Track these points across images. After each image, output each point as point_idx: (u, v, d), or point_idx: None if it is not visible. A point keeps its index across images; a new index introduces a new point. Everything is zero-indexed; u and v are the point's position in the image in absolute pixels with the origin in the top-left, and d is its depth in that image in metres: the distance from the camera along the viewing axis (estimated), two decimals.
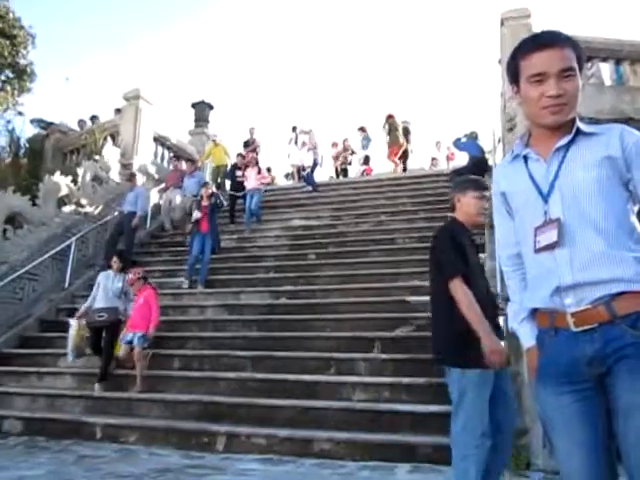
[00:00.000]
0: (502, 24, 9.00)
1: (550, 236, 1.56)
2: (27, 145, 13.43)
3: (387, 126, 14.43)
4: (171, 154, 13.10)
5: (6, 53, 12.77)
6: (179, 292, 8.28)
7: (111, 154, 11.60)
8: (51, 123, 14.31)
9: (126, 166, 11.66)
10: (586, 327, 1.50)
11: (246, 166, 11.34)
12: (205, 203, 8.91)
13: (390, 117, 14.51)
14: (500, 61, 9.54)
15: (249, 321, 7.07)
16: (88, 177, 10.74)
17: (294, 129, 15.27)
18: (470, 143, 11.36)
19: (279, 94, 68.24)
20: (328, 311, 6.81)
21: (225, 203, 10.04)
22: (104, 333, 6.40)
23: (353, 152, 15.56)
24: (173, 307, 7.87)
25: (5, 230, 8.95)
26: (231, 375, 5.90)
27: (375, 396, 5.17)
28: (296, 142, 15.00)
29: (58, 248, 9.04)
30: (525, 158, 1.69)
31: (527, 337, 1.71)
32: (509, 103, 8.21)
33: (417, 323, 6.16)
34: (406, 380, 5.19)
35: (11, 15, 13.02)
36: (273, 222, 10.54)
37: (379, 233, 8.94)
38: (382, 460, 4.26)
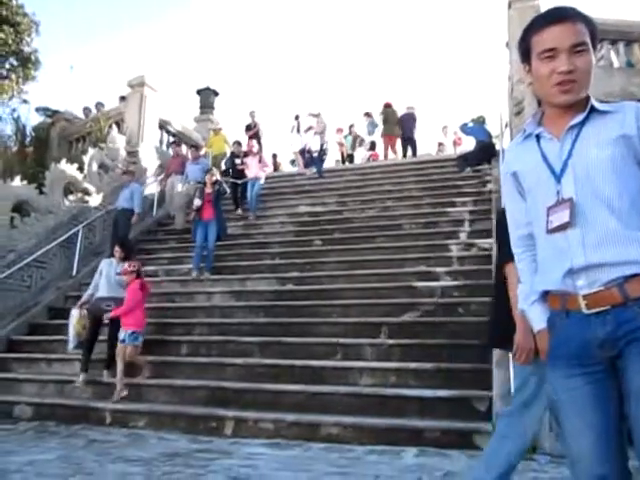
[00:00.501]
0: (509, 6, 8.89)
1: (562, 216, 1.53)
2: (33, 133, 13.44)
3: (382, 115, 14.35)
4: (172, 139, 12.99)
5: (10, 41, 12.74)
6: (186, 279, 8.31)
7: (116, 141, 11.58)
8: (56, 111, 14.30)
9: (131, 153, 11.66)
10: (598, 309, 1.48)
11: (245, 154, 11.21)
12: (209, 190, 8.77)
13: (387, 106, 14.32)
14: (507, 44, 9.42)
15: (256, 307, 7.08)
16: (94, 165, 10.75)
17: (297, 117, 15.22)
18: (477, 127, 11.27)
19: (285, 79, 67.84)
20: (335, 297, 6.81)
21: (228, 190, 10.01)
22: (107, 323, 6.33)
23: (361, 140, 15.46)
24: (180, 294, 7.90)
25: (12, 218, 9.00)
26: (238, 361, 5.92)
27: (382, 381, 5.18)
28: (298, 130, 15.03)
29: (65, 236, 9.08)
30: (537, 137, 1.66)
31: (538, 319, 1.68)
32: (517, 86, 8.13)
33: (424, 309, 6.16)
34: (413, 365, 5.20)
35: (14, 2, 12.97)
36: (279, 208, 10.53)
37: (385, 219, 8.91)
38: (389, 444, 4.27)
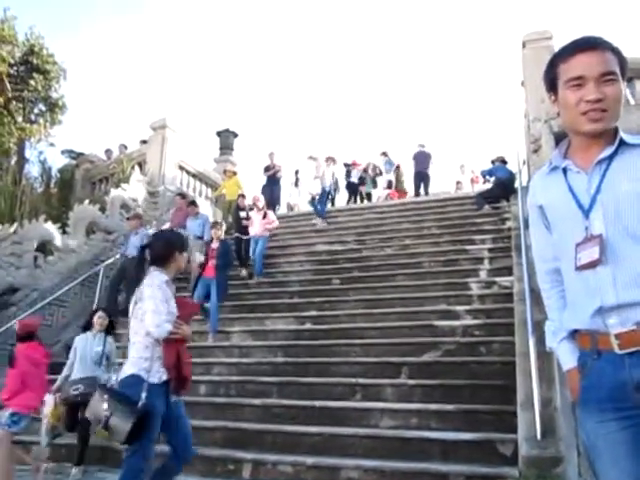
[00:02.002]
0: (524, 46, 9.02)
1: (592, 253, 1.48)
2: (58, 175, 13.82)
3: (395, 174, 15.38)
4: (176, 195, 11.65)
5: (40, 87, 13.26)
6: (204, 318, 8.30)
7: (138, 182, 11.84)
8: (81, 153, 14.73)
9: (153, 194, 11.89)
10: (632, 349, 1.42)
11: (251, 207, 10.51)
12: (215, 245, 8.18)
13: (397, 168, 15.39)
14: (523, 83, 9.53)
15: (274, 347, 7.03)
16: (116, 205, 10.96)
17: (297, 172, 15.65)
18: (498, 167, 11.32)
19: (304, 119, 69.10)
20: (354, 336, 6.74)
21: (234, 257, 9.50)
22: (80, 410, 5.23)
23: (380, 172, 15.58)
24: (199, 333, 7.88)
25: (36, 257, 9.17)
26: (257, 402, 5.85)
27: (403, 423, 5.05)
28: (297, 184, 15.47)
29: (86, 275, 9.21)
30: (564, 170, 1.62)
31: (567, 358, 1.62)
32: (533, 124, 8.17)
33: (445, 348, 6.05)
34: (435, 406, 5.08)
35: (45, 51, 13.55)
36: (297, 247, 10.56)
37: (404, 257, 8.87)
38: None
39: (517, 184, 9.84)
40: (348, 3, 64.25)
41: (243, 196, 11.07)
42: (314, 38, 68.02)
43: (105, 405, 3.12)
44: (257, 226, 9.81)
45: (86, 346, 5.66)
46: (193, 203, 10.62)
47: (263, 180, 13.77)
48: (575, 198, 1.56)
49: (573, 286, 1.58)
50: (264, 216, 9.92)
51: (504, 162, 11.42)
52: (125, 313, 8.66)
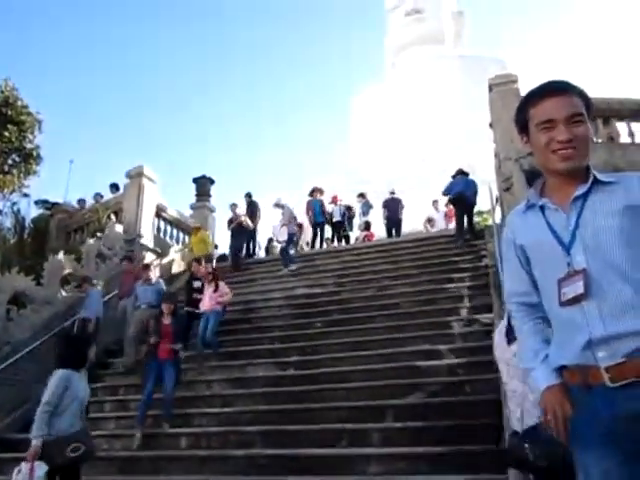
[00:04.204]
0: (490, 90, 9.35)
1: (576, 288, 1.50)
2: (32, 225, 13.63)
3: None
4: (122, 259, 10.48)
5: (13, 139, 13.22)
6: (183, 367, 8.10)
7: (115, 231, 11.73)
8: (55, 203, 14.59)
9: (129, 242, 11.77)
10: (623, 382, 1.42)
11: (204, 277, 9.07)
12: (166, 321, 7.03)
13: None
14: (491, 125, 9.83)
15: (257, 394, 6.88)
16: (92, 255, 10.81)
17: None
18: (454, 181, 11.37)
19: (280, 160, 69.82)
20: (337, 380, 6.64)
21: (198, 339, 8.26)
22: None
23: (354, 214, 15.68)
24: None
25: (9, 310, 8.92)
26: (240, 452, 5.67)
27: (391, 468, 4.94)
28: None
29: (60, 327, 8.96)
30: (542, 208, 1.66)
31: (547, 375, 1.60)
32: (504, 163, 8.39)
33: (430, 389, 6.00)
34: (422, 449, 4.99)
35: (19, 103, 13.57)
36: (276, 292, 10.48)
37: (384, 298, 8.87)
38: None
39: (491, 222, 10.04)
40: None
41: (198, 261, 9.76)
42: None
43: None
44: (207, 300, 8.56)
45: (80, 385, 4.48)
46: (146, 267, 9.52)
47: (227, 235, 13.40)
48: (555, 235, 1.60)
49: (559, 322, 1.59)
50: (215, 288, 8.62)
51: (464, 174, 11.53)
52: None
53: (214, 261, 14.30)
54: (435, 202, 16.12)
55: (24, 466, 4.07)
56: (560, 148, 1.58)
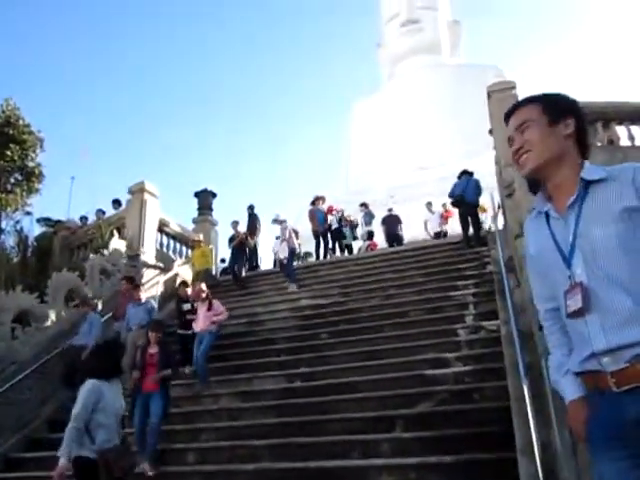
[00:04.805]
0: (489, 97, 9.39)
1: (576, 301, 1.52)
2: (35, 243, 13.65)
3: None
4: (122, 279, 10.13)
5: (16, 157, 13.28)
6: (190, 382, 8.08)
7: (118, 247, 11.74)
8: (58, 221, 14.63)
9: (132, 257, 11.79)
10: (628, 387, 1.44)
11: (196, 296, 8.67)
12: (152, 351, 6.56)
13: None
14: (491, 131, 9.87)
15: (265, 407, 6.84)
16: (96, 271, 10.82)
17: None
18: (456, 183, 11.33)
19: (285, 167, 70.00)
20: (345, 391, 6.60)
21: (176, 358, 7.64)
22: None
23: (356, 224, 15.69)
24: (186, 397, 7.65)
25: (14, 329, 8.91)
26: (249, 467, 5.63)
27: (402, 479, 4.90)
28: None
29: (66, 344, 8.94)
30: (547, 214, 1.69)
31: (572, 389, 1.63)
32: (505, 170, 8.40)
33: (438, 397, 5.96)
34: (433, 459, 4.94)
35: (21, 122, 13.66)
36: (281, 303, 10.47)
37: (389, 307, 8.85)
38: None
39: (494, 228, 10.03)
40: None
41: (185, 284, 9.74)
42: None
43: None
44: (200, 320, 8.19)
45: (113, 400, 4.11)
46: (136, 287, 9.29)
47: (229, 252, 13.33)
48: (557, 246, 1.62)
49: (570, 331, 1.63)
50: (209, 307, 8.28)
51: (468, 173, 11.49)
52: None
53: (218, 274, 14.32)
54: (429, 204, 16.09)
55: None
56: (517, 157, 1.70)
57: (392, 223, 14.92)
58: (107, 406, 3.97)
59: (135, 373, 6.46)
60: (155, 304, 9.43)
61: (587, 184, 1.60)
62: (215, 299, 8.70)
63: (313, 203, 14.62)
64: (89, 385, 4.04)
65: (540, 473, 3.92)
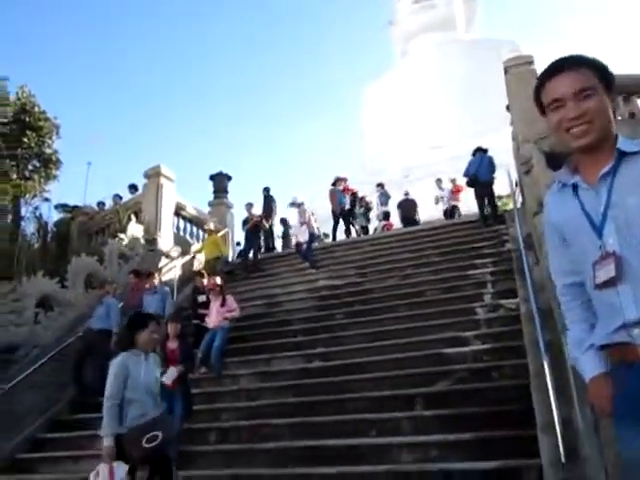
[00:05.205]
0: (506, 72, 9.23)
1: (608, 271, 1.49)
2: (54, 229, 13.81)
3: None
4: (129, 274, 10.05)
5: (33, 144, 13.39)
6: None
7: (135, 231, 11.84)
8: (75, 206, 14.76)
9: (150, 242, 11.88)
10: None
11: (210, 289, 8.59)
12: (172, 346, 6.40)
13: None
14: (508, 107, 9.70)
15: (283, 387, 6.90)
16: (114, 255, 10.93)
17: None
18: (470, 161, 11.16)
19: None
20: (363, 370, 6.62)
21: (198, 358, 7.67)
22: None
23: (368, 207, 15.61)
24: (207, 379, 7.74)
25: (36, 314, 9.07)
26: (269, 445, 5.70)
27: (423, 456, 4.91)
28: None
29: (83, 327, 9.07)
30: (574, 186, 1.64)
31: (592, 365, 1.59)
32: (522, 146, 8.27)
33: (457, 376, 5.96)
34: (453, 437, 4.95)
35: (37, 109, 13.74)
36: (298, 284, 10.50)
37: (406, 287, 8.84)
38: None
39: (511, 205, 9.91)
40: None
41: (201, 275, 9.57)
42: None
43: None
44: (213, 316, 8.12)
45: (140, 369, 4.00)
46: (150, 275, 9.15)
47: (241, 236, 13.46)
48: (587, 216, 1.58)
49: (597, 303, 1.58)
50: (222, 303, 8.20)
51: (482, 150, 11.31)
52: None
53: (235, 257, 14.38)
54: (438, 181, 15.91)
55: (102, 468, 3.64)
56: (571, 126, 1.56)
57: (408, 207, 14.93)
58: (134, 381, 3.87)
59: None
60: (168, 291, 9.31)
61: (620, 156, 1.56)
62: (229, 294, 8.64)
63: (334, 184, 14.58)
64: (114, 361, 4.00)
65: (562, 451, 3.91)
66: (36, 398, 7.91)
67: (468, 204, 14.23)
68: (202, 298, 8.92)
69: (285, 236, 16.17)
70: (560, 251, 1.71)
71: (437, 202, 15.62)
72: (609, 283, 1.49)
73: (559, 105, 1.58)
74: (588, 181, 1.60)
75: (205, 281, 9.19)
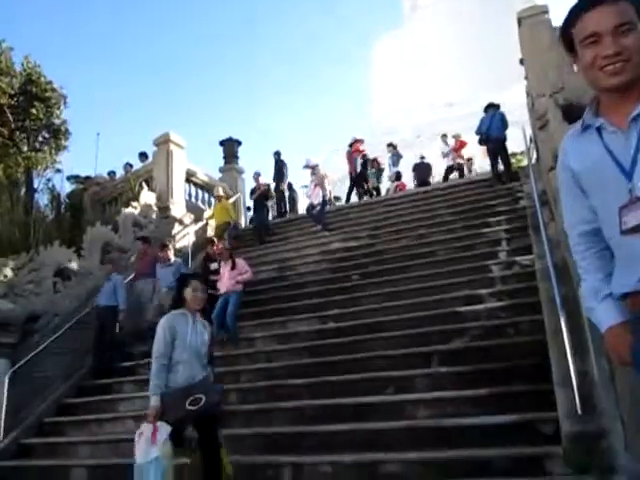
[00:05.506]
0: (520, 24, 8.93)
1: (638, 216, 1.43)
2: (67, 200, 13.90)
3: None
4: (138, 240, 10.19)
5: (41, 115, 13.34)
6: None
7: (147, 199, 11.86)
8: (87, 177, 14.81)
9: (162, 209, 11.92)
10: None
11: (219, 254, 8.56)
12: None
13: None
14: (522, 61, 9.42)
15: (299, 348, 6.99)
16: (128, 224, 11.00)
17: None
18: (482, 119, 10.92)
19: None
20: (379, 330, 6.66)
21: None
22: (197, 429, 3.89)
23: (382, 167, 15.45)
24: (224, 343, 7.85)
25: (55, 283, 9.20)
26: (288, 405, 5.81)
27: (439, 412, 4.98)
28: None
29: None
30: (599, 129, 1.55)
31: (609, 315, 1.55)
32: (537, 100, 8.06)
33: (472, 333, 5.98)
34: (469, 392, 5.00)
35: (43, 79, 13.63)
36: (312, 247, 10.52)
37: (420, 247, 8.80)
38: (455, 477, 4.08)
39: (525, 162, 9.75)
40: None
41: (212, 242, 9.43)
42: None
43: None
44: (225, 280, 8.00)
45: (187, 329, 3.91)
46: (164, 246, 9.00)
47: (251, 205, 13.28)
48: (615, 160, 1.49)
49: (620, 251, 1.52)
50: (233, 266, 8.08)
51: (493, 106, 11.05)
52: None
53: (247, 223, 14.40)
54: (444, 136, 15.63)
55: (145, 428, 3.64)
56: (607, 64, 1.45)
57: (423, 170, 14.85)
58: (182, 342, 3.81)
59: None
60: (182, 263, 9.22)
61: None
62: (239, 257, 8.57)
63: (351, 145, 14.44)
64: (161, 321, 3.96)
65: (578, 403, 3.94)
66: (59, 365, 8.11)
67: (481, 164, 14.03)
68: (214, 266, 8.86)
69: (291, 200, 16.08)
70: (576, 198, 1.64)
71: (444, 157, 15.43)
72: (637, 229, 1.43)
73: (594, 41, 1.47)
74: (615, 124, 1.52)
75: (216, 247, 9.17)
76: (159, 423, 3.58)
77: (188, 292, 4.01)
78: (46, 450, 6.89)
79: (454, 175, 14.42)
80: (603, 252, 1.59)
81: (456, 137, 14.93)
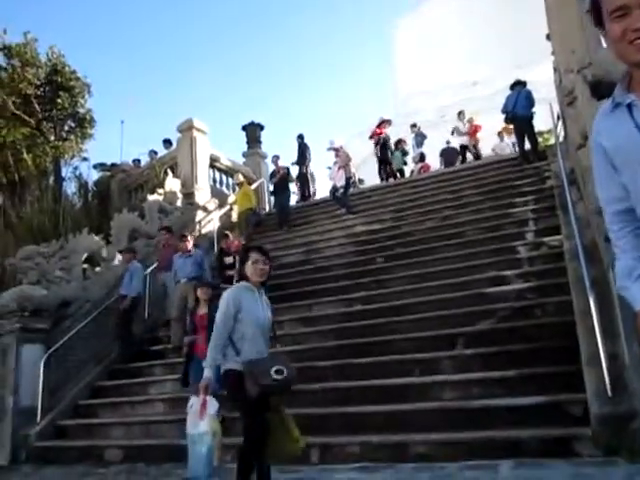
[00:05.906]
0: None
1: None
2: (94, 188, 14.13)
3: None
4: (161, 230, 9.94)
5: (67, 105, 13.55)
6: None
7: (172, 185, 11.98)
8: (113, 164, 15.02)
9: (187, 195, 12.03)
10: None
11: (235, 252, 8.48)
12: (202, 311, 6.22)
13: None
14: (548, 36, 9.17)
15: (326, 331, 7.04)
16: (154, 210, 11.14)
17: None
18: (508, 97, 10.67)
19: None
20: (404, 312, 6.67)
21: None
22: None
23: (405, 150, 15.30)
24: None
25: (85, 270, 9.41)
26: (315, 386, 5.87)
27: (465, 393, 4.98)
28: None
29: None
30: (629, 106, 1.50)
31: None
32: (565, 76, 7.86)
33: (499, 314, 5.94)
34: (496, 374, 4.98)
35: (67, 69, 13.81)
36: (336, 231, 10.52)
37: (446, 228, 8.73)
38: (482, 458, 4.08)
39: (553, 140, 9.53)
40: None
41: (227, 236, 9.29)
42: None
43: None
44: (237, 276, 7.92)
45: (255, 305, 3.67)
46: (183, 237, 8.73)
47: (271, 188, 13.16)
48: None
49: None
50: None
51: (520, 84, 10.74)
52: None
53: (271, 208, 14.42)
54: (460, 113, 15.26)
55: (195, 401, 3.59)
56: (637, 37, 1.38)
57: (450, 155, 14.79)
58: (247, 315, 3.58)
59: (186, 338, 6.33)
60: (202, 254, 8.97)
61: None
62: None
63: (379, 126, 14.35)
64: (224, 294, 3.76)
65: (608, 384, 3.90)
66: (90, 350, 8.32)
67: (504, 146, 13.78)
68: (229, 260, 8.72)
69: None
70: (610, 177, 1.59)
71: (452, 133, 15.12)
72: None
73: (624, 13, 1.41)
74: None
75: (231, 243, 9.04)
76: (208, 397, 3.52)
77: (248, 266, 3.74)
78: (81, 431, 7.11)
79: (469, 158, 14.21)
80: (638, 231, 1.56)
81: (470, 121, 14.61)
